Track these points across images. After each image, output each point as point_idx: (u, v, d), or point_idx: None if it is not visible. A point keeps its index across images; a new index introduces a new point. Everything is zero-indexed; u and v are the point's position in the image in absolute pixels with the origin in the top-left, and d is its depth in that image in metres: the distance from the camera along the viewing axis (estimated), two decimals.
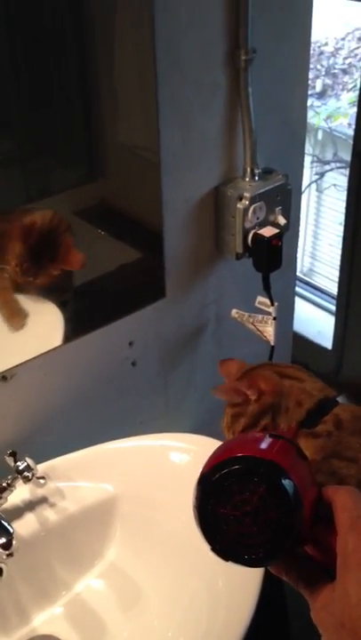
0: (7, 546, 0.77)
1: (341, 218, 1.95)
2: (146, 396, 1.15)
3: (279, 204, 1.08)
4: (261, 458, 0.47)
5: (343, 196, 2.05)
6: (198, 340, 1.19)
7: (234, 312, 1.13)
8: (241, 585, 0.81)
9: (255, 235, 1.05)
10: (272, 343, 1.14)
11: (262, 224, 1.07)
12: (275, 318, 1.11)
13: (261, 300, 1.13)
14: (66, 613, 0.89)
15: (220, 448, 0.51)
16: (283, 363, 0.78)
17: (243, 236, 1.05)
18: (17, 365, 0.93)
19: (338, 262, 1.90)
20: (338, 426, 0.70)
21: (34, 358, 0.94)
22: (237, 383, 0.76)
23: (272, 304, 1.10)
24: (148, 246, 1.06)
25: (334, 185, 2.31)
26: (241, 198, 1.03)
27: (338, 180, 2.29)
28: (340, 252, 1.87)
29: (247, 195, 1.04)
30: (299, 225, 1.25)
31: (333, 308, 2.01)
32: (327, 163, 2.35)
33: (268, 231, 1.04)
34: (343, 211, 1.85)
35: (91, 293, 1.02)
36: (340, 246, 1.87)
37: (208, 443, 0.94)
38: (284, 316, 1.16)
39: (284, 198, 1.08)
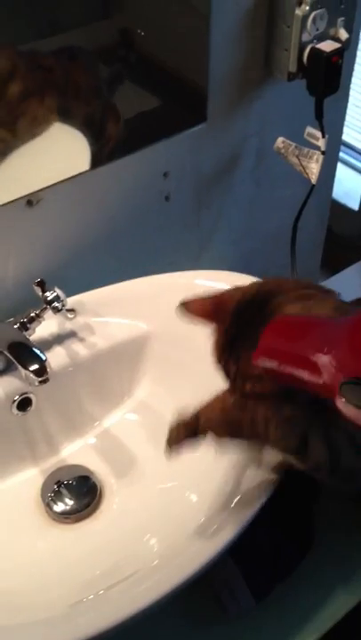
0: (40, 372, 0.73)
1: None
2: (178, 234, 1.08)
3: (342, 14, 0.93)
4: None
5: None
6: (236, 177, 1.09)
7: (280, 141, 1.02)
8: None
9: (312, 49, 0.91)
10: (313, 182, 1.04)
11: (321, 38, 0.92)
12: (323, 152, 1.00)
13: (310, 132, 1.01)
14: (94, 446, 0.88)
15: None
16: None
17: (298, 52, 0.92)
18: (43, 189, 0.84)
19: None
20: None
21: (61, 182, 0.86)
22: None
23: (323, 135, 0.99)
24: (190, 63, 0.92)
25: None
26: (300, 3, 0.89)
27: None
28: None
29: None
30: (359, 42, 1.10)
31: None
32: None
33: (327, 46, 0.91)
34: None
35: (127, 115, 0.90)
36: None
37: (245, 280, 0.88)
38: (330, 152, 1.05)
39: (349, 7, 0.93)
